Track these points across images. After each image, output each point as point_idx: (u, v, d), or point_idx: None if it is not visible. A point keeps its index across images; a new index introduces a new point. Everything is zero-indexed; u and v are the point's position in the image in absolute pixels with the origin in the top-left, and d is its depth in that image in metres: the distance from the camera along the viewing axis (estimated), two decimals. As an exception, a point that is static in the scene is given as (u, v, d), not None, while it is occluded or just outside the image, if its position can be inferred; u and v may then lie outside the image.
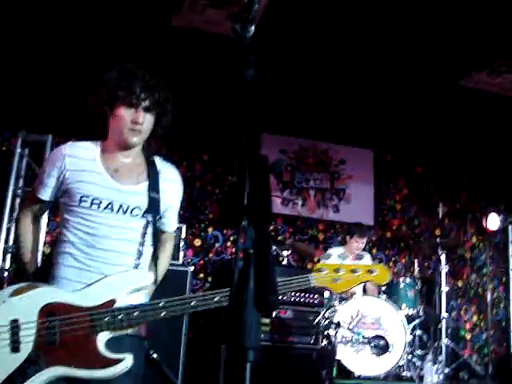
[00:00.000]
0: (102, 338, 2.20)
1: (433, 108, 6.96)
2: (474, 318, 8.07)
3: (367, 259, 6.56)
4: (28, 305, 2.18)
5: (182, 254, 6.07)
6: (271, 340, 5.19)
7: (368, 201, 7.90)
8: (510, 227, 8.21)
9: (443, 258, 6.35)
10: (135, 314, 2.21)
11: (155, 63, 2.70)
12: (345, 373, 5.48)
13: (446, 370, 6.34)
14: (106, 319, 2.18)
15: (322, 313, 5.69)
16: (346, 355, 5.53)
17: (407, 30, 5.41)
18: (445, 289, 6.47)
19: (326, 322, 5.53)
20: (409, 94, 6.65)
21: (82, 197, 2.35)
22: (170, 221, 2.62)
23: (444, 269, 6.50)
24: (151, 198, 2.44)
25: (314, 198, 7.73)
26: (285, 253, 6.41)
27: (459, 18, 5.15)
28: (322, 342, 5.37)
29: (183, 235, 6.19)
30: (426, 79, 6.31)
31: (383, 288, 6.12)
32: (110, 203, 2.34)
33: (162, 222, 2.58)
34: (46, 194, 2.47)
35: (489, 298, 7.58)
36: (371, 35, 5.53)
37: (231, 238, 7.14)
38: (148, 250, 2.47)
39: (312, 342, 5.24)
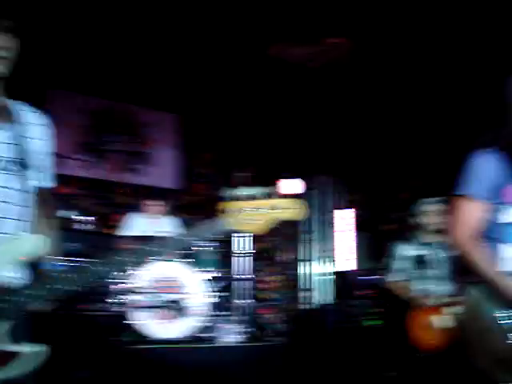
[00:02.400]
0: None
1: (239, 75, 7.05)
2: (273, 279, 8.44)
3: (169, 223, 6.48)
4: None
5: None
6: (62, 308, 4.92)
7: (172, 165, 7.85)
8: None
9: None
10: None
11: None
12: (142, 337, 5.39)
13: (247, 330, 6.52)
14: None
15: (119, 277, 5.53)
16: (144, 319, 5.45)
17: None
18: (250, 251, 6.62)
19: (122, 286, 5.39)
20: (216, 60, 6.66)
21: None
22: (46, 175, 2.10)
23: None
24: (20, 147, 1.97)
25: (117, 161, 7.49)
26: (85, 218, 6.14)
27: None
28: (116, 307, 5.21)
29: None
30: (232, 46, 6.37)
31: (183, 251, 6.08)
32: None
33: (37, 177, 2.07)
34: None
35: (282, 259, 7.97)
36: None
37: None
38: (30, 213, 2.02)
39: (105, 307, 5.07)
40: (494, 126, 2.42)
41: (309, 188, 8.64)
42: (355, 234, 8.77)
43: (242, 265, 6.82)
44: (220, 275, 6.26)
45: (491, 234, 2.36)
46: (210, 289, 6.01)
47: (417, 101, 7.39)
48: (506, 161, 2.33)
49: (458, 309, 2.32)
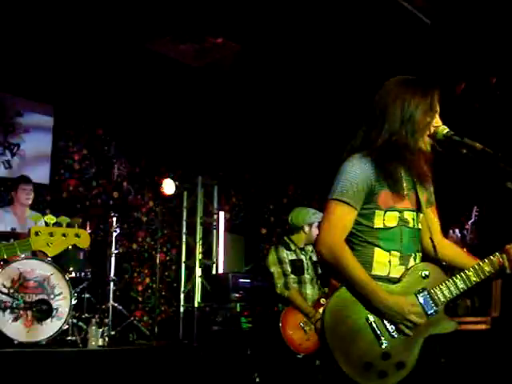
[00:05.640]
0: None
1: (117, 68, 6.82)
2: (147, 280, 8.22)
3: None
4: None
5: None
6: None
7: (44, 158, 7.41)
8: (184, 193, 8.54)
9: (115, 220, 6.28)
10: None
11: None
12: (4, 340, 5.07)
13: (113, 333, 6.33)
14: None
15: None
16: (4, 322, 5.13)
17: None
18: (115, 251, 6.42)
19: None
20: (93, 51, 6.41)
21: None
22: None
23: (115, 231, 6.44)
24: None
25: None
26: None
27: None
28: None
29: None
30: (112, 40, 6.16)
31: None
32: None
33: None
34: None
35: (158, 260, 7.83)
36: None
37: None
38: None
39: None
40: (367, 131, 2.43)
41: (187, 189, 8.53)
42: (229, 237, 8.75)
43: (113, 265, 6.60)
44: (87, 275, 6.03)
45: (364, 239, 2.38)
46: (76, 289, 5.79)
47: (294, 108, 7.52)
48: (378, 166, 2.35)
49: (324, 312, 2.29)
